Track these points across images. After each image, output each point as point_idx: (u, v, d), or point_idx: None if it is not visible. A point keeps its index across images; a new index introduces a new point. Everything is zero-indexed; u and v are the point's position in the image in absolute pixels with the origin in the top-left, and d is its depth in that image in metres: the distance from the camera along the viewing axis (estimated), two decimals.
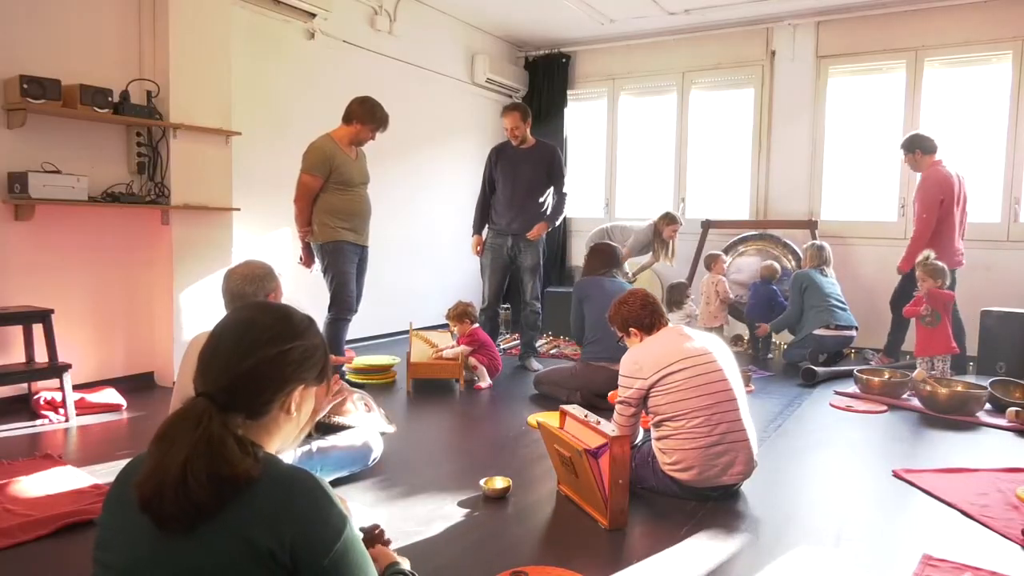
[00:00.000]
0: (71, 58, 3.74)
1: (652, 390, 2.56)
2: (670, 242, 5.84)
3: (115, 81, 3.84)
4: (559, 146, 7.26)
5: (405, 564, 1.53)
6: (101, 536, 1.12)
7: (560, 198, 4.91)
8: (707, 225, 6.45)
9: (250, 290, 2.40)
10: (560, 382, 4.06)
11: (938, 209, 4.85)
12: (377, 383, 4.43)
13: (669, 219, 5.78)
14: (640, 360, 2.61)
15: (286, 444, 1.24)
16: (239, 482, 1.03)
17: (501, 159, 4.90)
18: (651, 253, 5.94)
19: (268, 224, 4.89)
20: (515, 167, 4.84)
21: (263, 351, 1.14)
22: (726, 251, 6.15)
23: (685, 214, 6.71)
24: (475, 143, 6.89)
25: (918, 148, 4.98)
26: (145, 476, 1.04)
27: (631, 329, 2.75)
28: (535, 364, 4.92)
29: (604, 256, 4.36)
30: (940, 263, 4.57)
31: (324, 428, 2.74)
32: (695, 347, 2.61)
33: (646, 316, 2.73)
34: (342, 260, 4.04)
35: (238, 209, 4.42)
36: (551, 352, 5.67)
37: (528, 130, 4.83)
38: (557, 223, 4.99)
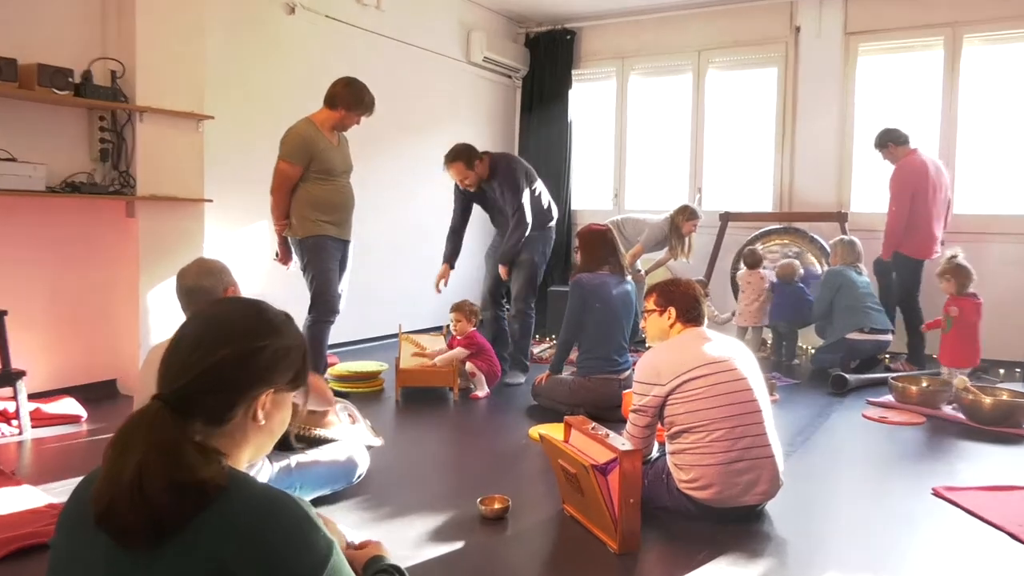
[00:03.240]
0: (28, 35, 3.71)
1: (670, 397, 2.54)
2: (688, 238, 5.82)
3: (76, 60, 3.82)
4: (564, 130, 7.26)
5: (389, 557, 1.55)
6: (55, 560, 1.11)
7: (516, 220, 4.63)
8: (726, 218, 6.43)
9: (208, 283, 2.41)
10: (560, 399, 3.99)
11: (909, 199, 5.12)
12: (363, 392, 4.42)
13: (689, 213, 5.76)
14: (659, 365, 2.60)
15: (258, 456, 1.22)
16: (205, 491, 1.01)
17: (473, 197, 4.91)
18: (667, 249, 5.92)
19: (243, 217, 4.88)
20: (485, 202, 4.89)
21: (226, 349, 1.12)
22: (751, 243, 6.13)
23: (702, 205, 6.66)
24: (471, 128, 6.85)
25: (890, 142, 5.27)
26: (99, 487, 1.02)
27: (671, 309, 2.74)
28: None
29: (597, 243, 4.13)
30: (965, 263, 4.56)
31: (305, 441, 2.72)
32: (716, 352, 2.60)
33: (693, 308, 2.75)
34: (323, 256, 4.02)
35: (210, 200, 4.41)
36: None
37: (480, 166, 4.63)
38: (517, 247, 4.69)
